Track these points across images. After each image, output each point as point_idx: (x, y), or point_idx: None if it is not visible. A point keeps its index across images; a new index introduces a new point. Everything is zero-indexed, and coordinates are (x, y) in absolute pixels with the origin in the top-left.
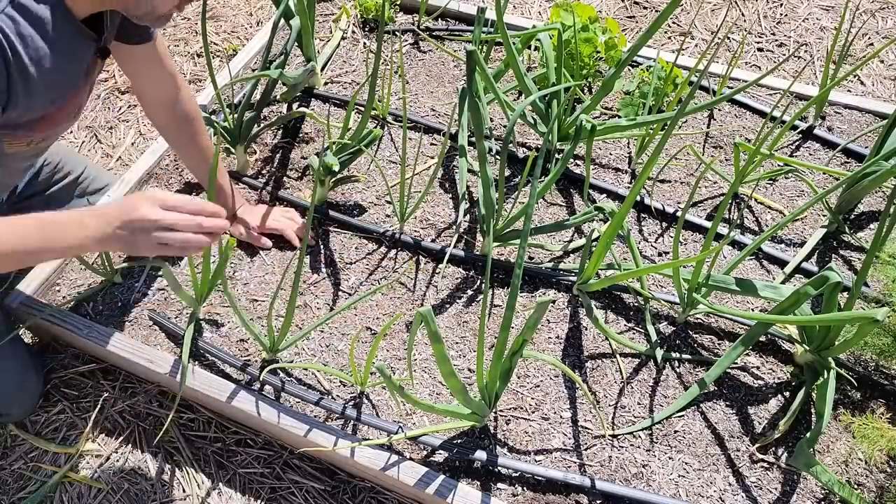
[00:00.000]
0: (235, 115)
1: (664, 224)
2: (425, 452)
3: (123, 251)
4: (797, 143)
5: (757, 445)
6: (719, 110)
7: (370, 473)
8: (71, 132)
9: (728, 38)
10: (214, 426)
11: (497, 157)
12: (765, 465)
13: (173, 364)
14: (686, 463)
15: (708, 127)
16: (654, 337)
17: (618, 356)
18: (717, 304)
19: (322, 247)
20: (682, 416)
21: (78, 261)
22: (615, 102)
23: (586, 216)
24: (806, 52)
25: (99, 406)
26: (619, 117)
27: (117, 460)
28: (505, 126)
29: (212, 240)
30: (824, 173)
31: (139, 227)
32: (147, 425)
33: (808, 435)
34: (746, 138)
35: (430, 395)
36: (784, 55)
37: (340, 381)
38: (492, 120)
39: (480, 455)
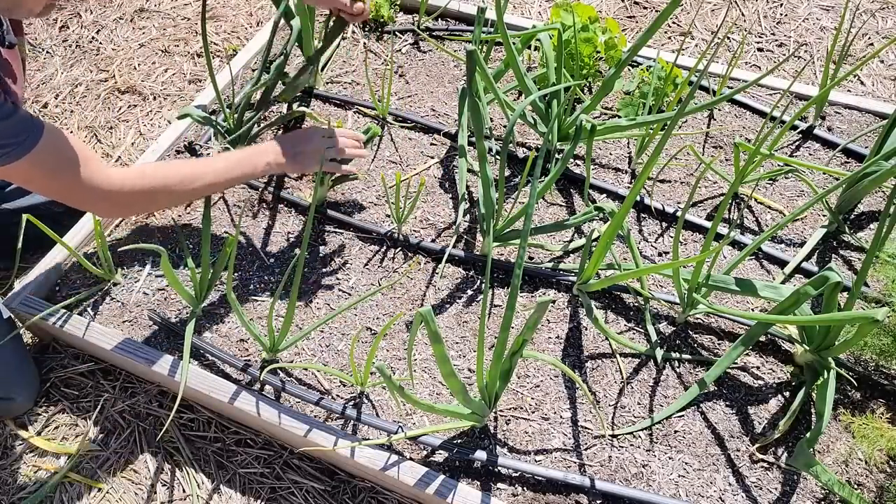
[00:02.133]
0: (235, 116)
1: (664, 224)
2: (425, 452)
3: (295, 171)
4: (797, 143)
5: (757, 445)
6: (719, 110)
7: (370, 473)
8: (71, 132)
9: (728, 38)
10: (214, 426)
11: (497, 157)
12: (765, 465)
13: (173, 364)
14: (686, 463)
15: (708, 127)
16: (654, 337)
17: (618, 356)
18: (717, 304)
19: (322, 247)
20: (682, 416)
21: (78, 261)
22: (615, 102)
23: (586, 216)
24: (806, 52)
25: (99, 406)
26: (619, 117)
27: (117, 460)
28: (505, 126)
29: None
30: (824, 173)
31: (311, 151)
32: (147, 425)
33: (808, 435)
34: (746, 138)
35: (430, 395)
36: (784, 55)
37: (340, 381)
38: (492, 120)
39: (480, 455)
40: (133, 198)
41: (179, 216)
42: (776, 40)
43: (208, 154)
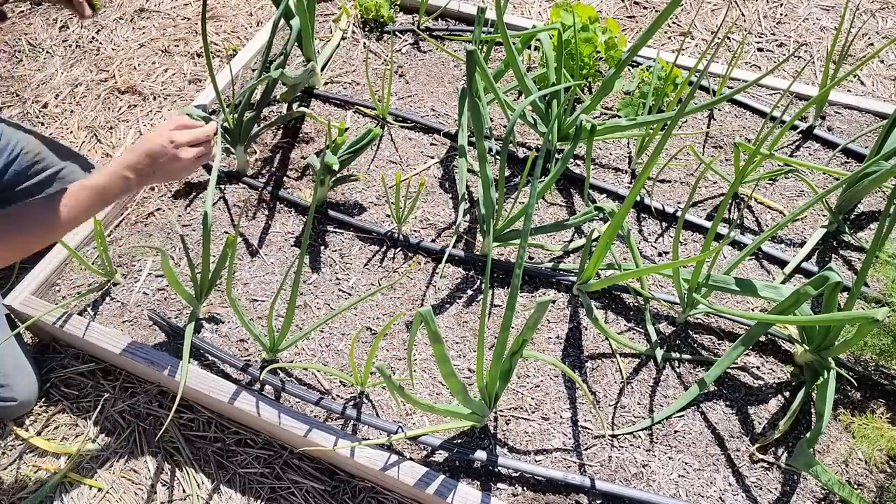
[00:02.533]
0: (235, 116)
1: (664, 224)
2: (425, 452)
3: (163, 181)
4: (797, 143)
5: (757, 445)
6: (719, 110)
7: (370, 473)
8: (71, 132)
9: (728, 38)
10: (214, 426)
11: (497, 157)
12: (765, 465)
13: (173, 364)
14: (686, 463)
15: (708, 127)
16: (654, 337)
17: (618, 356)
18: (717, 304)
19: (322, 247)
20: (682, 416)
21: (78, 261)
22: (615, 102)
23: (586, 216)
24: (806, 52)
25: (99, 406)
26: (619, 117)
27: (117, 460)
28: (505, 126)
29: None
30: (824, 173)
31: (160, 161)
32: (147, 425)
33: (808, 435)
34: (746, 138)
35: (430, 395)
36: (784, 55)
37: (340, 381)
38: (492, 120)
39: (480, 455)
40: (11, 252)
41: (180, 216)
42: (776, 40)
43: None
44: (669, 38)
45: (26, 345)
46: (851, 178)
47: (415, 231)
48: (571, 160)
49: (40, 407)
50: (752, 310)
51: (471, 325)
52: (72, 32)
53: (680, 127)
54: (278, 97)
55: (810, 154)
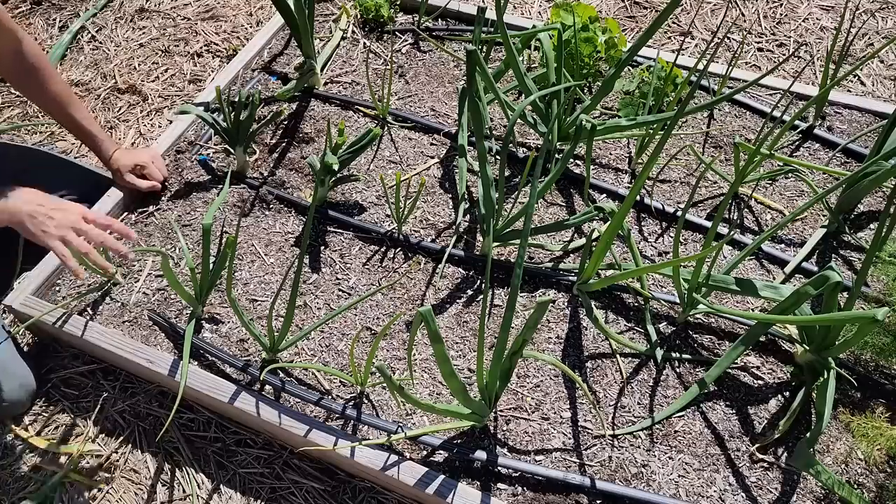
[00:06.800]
0: (233, 115)
1: (664, 224)
2: (425, 452)
3: (22, 232)
4: (797, 143)
5: (757, 445)
6: (719, 110)
7: (370, 473)
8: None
9: (728, 38)
10: (214, 426)
11: (497, 157)
12: (765, 465)
13: (173, 364)
14: (686, 463)
15: (708, 127)
16: (654, 337)
17: (618, 356)
18: (717, 304)
19: (322, 247)
20: (682, 416)
21: (78, 261)
22: (615, 102)
23: (586, 216)
24: (806, 52)
25: (99, 406)
26: (619, 117)
27: (117, 460)
28: (505, 126)
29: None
30: (824, 173)
31: (51, 221)
32: (147, 425)
33: (808, 435)
34: (746, 138)
35: (430, 395)
36: (784, 55)
37: (340, 381)
38: (492, 120)
39: (480, 455)
40: None
41: (180, 216)
42: (776, 40)
43: (208, 154)
44: (669, 38)
45: (19, 346)
46: (851, 178)
47: (415, 231)
48: (571, 160)
49: (40, 407)
50: (752, 310)
51: (471, 325)
52: (72, 32)
53: (680, 127)
54: (277, 96)
55: (810, 154)
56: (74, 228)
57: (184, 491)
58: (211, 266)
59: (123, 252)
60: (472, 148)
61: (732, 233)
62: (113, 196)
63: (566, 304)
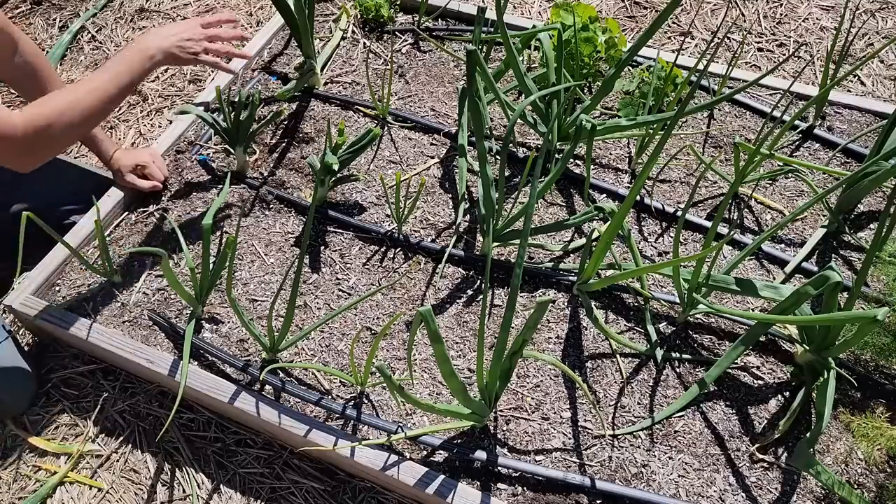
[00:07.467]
0: (233, 115)
1: (664, 224)
2: (425, 452)
3: (175, 63)
4: (797, 143)
5: (757, 445)
6: (719, 110)
7: (370, 473)
8: None
9: (728, 38)
10: (214, 426)
11: (497, 157)
12: (765, 465)
13: (173, 364)
14: (686, 463)
15: (708, 127)
16: (654, 337)
17: (618, 356)
18: (717, 304)
19: (322, 247)
20: (682, 416)
21: (78, 261)
22: (615, 102)
23: (586, 216)
24: (806, 52)
25: (99, 406)
26: (619, 117)
27: (117, 460)
28: (505, 126)
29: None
30: (824, 173)
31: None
32: (147, 425)
33: (808, 435)
34: (746, 138)
35: (430, 395)
36: (784, 55)
37: (340, 381)
38: (492, 120)
39: (480, 455)
40: (37, 137)
41: (180, 216)
42: (776, 40)
43: (208, 154)
44: (669, 38)
45: (19, 346)
46: (851, 178)
47: (415, 231)
48: (571, 160)
49: (40, 407)
50: (752, 310)
51: (471, 325)
52: (72, 32)
53: (680, 127)
54: (277, 96)
55: (810, 154)
56: (207, 37)
57: (184, 491)
58: (211, 266)
59: (239, 36)
60: (472, 148)
61: (732, 233)
62: (113, 196)
63: (566, 304)
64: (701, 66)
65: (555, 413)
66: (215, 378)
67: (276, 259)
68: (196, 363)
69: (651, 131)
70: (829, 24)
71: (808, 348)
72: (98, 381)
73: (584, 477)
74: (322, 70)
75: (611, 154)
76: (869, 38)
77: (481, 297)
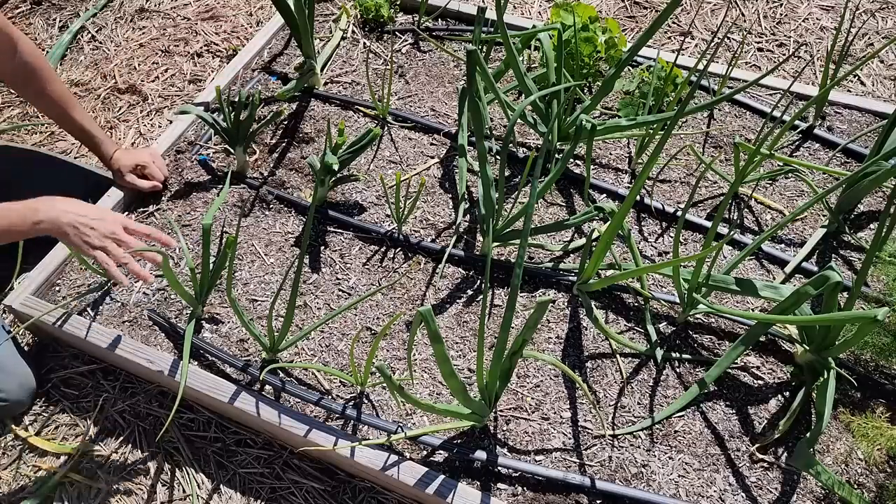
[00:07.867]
0: (233, 115)
1: (664, 224)
2: (425, 452)
3: (63, 241)
4: (797, 143)
5: (757, 445)
6: (719, 110)
7: (370, 473)
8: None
9: (728, 38)
10: (214, 426)
11: (497, 157)
12: (765, 465)
13: (173, 364)
14: (686, 463)
15: (708, 127)
16: (654, 337)
17: (618, 356)
18: (717, 304)
19: (322, 247)
20: (682, 416)
21: (78, 261)
22: (615, 102)
23: (586, 216)
24: (806, 52)
25: (99, 406)
26: (619, 117)
27: (117, 460)
28: (505, 126)
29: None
30: (824, 173)
31: (91, 230)
32: (147, 425)
33: (808, 435)
34: (746, 138)
35: (430, 395)
36: (784, 55)
37: (340, 381)
38: (492, 120)
39: (480, 455)
40: None
41: (180, 216)
42: (776, 40)
43: (208, 154)
44: (669, 38)
45: (19, 346)
46: (851, 178)
47: (415, 231)
48: (571, 160)
49: (40, 407)
50: (752, 310)
51: (471, 325)
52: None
53: (680, 127)
54: (276, 96)
55: (810, 154)
56: (114, 238)
57: (184, 491)
58: (211, 266)
59: (159, 262)
60: (472, 148)
61: (732, 233)
62: (113, 196)
63: (566, 304)
64: (701, 66)
65: (555, 413)
66: (215, 378)
67: (276, 259)
68: (196, 363)
69: (651, 131)
70: (829, 24)
71: (808, 348)
72: (98, 380)
73: (584, 477)
74: (322, 70)
75: (611, 154)
76: (869, 38)
77: (481, 297)
